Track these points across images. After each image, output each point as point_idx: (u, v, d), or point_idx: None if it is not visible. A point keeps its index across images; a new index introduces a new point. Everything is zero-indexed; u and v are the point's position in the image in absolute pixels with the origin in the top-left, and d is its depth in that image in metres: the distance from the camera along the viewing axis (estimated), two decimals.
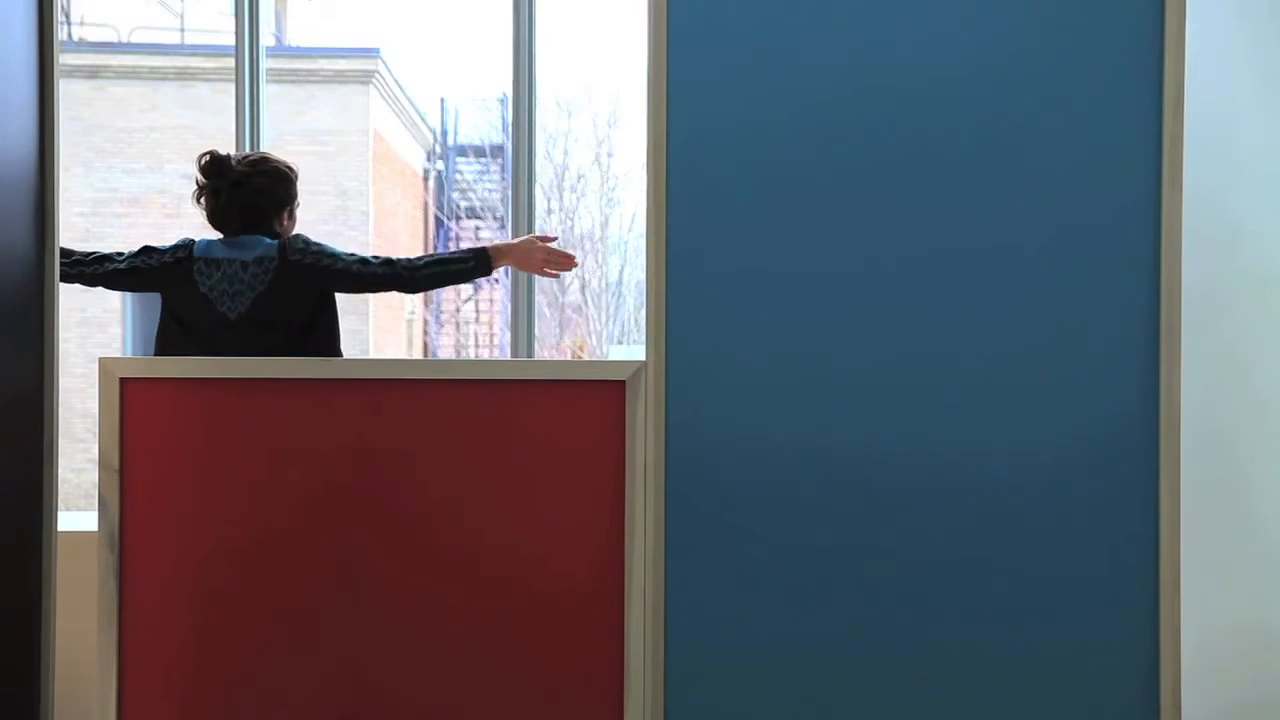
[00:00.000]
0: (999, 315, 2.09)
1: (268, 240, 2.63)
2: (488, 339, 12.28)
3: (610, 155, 11.71)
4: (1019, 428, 2.09)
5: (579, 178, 11.74)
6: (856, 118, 2.10)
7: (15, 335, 2.03)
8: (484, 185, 12.38)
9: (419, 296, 12.05)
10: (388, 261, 2.61)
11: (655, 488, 2.12)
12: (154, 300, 2.71)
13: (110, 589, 2.16)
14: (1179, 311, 2.06)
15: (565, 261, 2.77)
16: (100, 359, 2.16)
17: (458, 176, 12.45)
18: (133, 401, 2.17)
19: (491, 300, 12.33)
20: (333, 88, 10.65)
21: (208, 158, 2.68)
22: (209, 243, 2.64)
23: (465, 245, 12.04)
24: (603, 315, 11.32)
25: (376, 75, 10.80)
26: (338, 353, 2.69)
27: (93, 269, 2.64)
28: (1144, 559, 2.08)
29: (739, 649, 2.12)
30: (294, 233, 2.71)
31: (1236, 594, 2.53)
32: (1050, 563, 2.09)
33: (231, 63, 3.84)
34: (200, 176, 2.68)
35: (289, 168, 2.74)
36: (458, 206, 12.36)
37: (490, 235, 12.04)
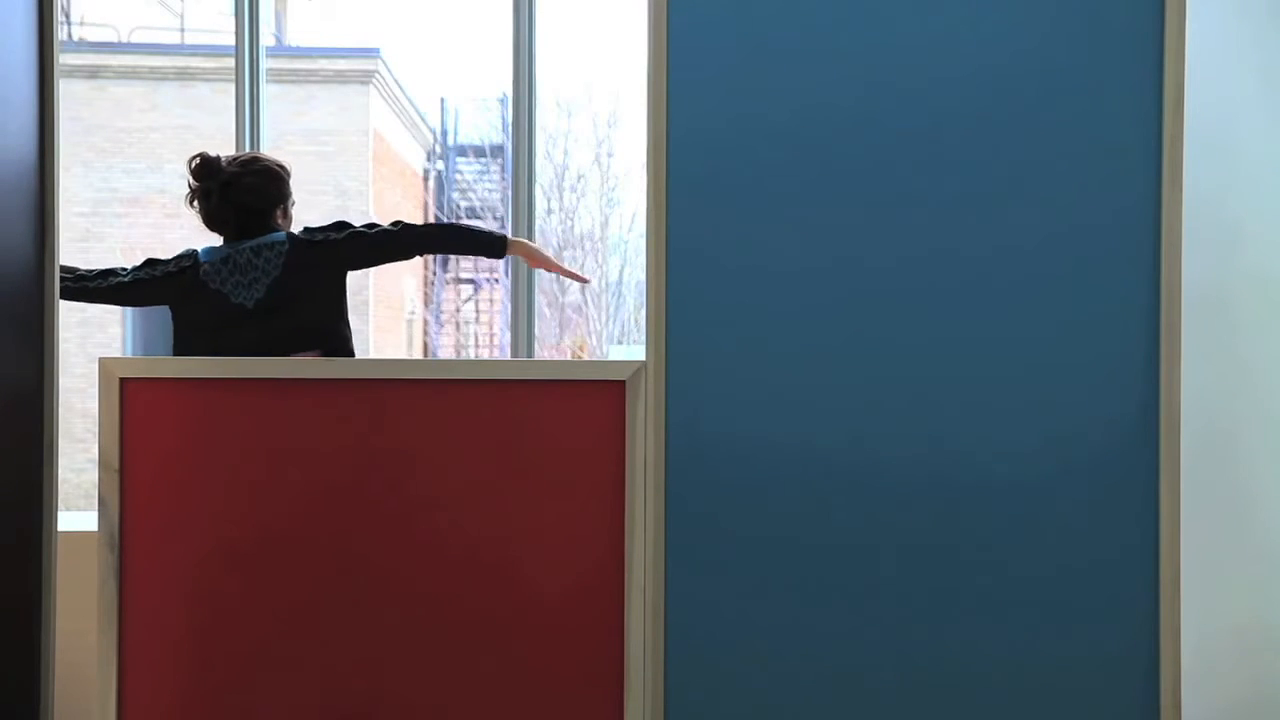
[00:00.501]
0: (999, 315, 2.09)
1: (271, 234, 2.64)
2: (488, 339, 12.29)
3: (610, 155, 11.73)
4: (1019, 427, 2.09)
5: (579, 178, 11.75)
6: (856, 117, 2.10)
7: (15, 335, 2.03)
8: (484, 185, 12.39)
9: (420, 296, 12.06)
10: (397, 222, 2.63)
11: (655, 488, 2.12)
12: None
13: (110, 589, 2.16)
14: (1179, 311, 2.06)
15: (577, 277, 2.95)
16: (100, 359, 2.16)
17: (458, 176, 12.45)
18: (133, 401, 2.17)
19: (491, 300, 12.35)
20: (332, 88, 10.65)
21: (198, 160, 2.67)
22: (212, 247, 2.65)
23: None
24: (603, 315, 11.33)
25: (376, 75, 10.80)
26: (349, 343, 2.68)
27: (96, 283, 2.63)
28: (1144, 559, 2.08)
29: (739, 649, 2.12)
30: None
31: (1236, 594, 2.53)
32: (1050, 562, 2.09)
33: (231, 63, 3.84)
34: (191, 179, 2.68)
35: (280, 166, 2.73)
36: (458, 206, 12.36)
37: None
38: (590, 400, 2.16)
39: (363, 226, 2.62)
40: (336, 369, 2.21)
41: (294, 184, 2.77)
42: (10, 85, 2.01)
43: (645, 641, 2.13)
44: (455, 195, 12.34)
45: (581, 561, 2.17)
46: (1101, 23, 2.08)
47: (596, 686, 2.16)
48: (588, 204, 11.79)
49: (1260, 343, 2.58)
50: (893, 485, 2.10)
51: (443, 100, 12.50)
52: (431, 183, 12.53)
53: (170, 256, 2.65)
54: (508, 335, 4.11)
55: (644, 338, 2.13)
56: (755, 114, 2.11)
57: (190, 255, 2.63)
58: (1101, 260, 2.08)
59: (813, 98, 2.10)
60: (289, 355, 2.47)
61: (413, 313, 12.04)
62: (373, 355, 10.26)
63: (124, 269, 2.65)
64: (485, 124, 12.31)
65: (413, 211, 12.17)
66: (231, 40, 3.85)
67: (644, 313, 2.16)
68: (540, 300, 10.57)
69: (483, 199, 12.34)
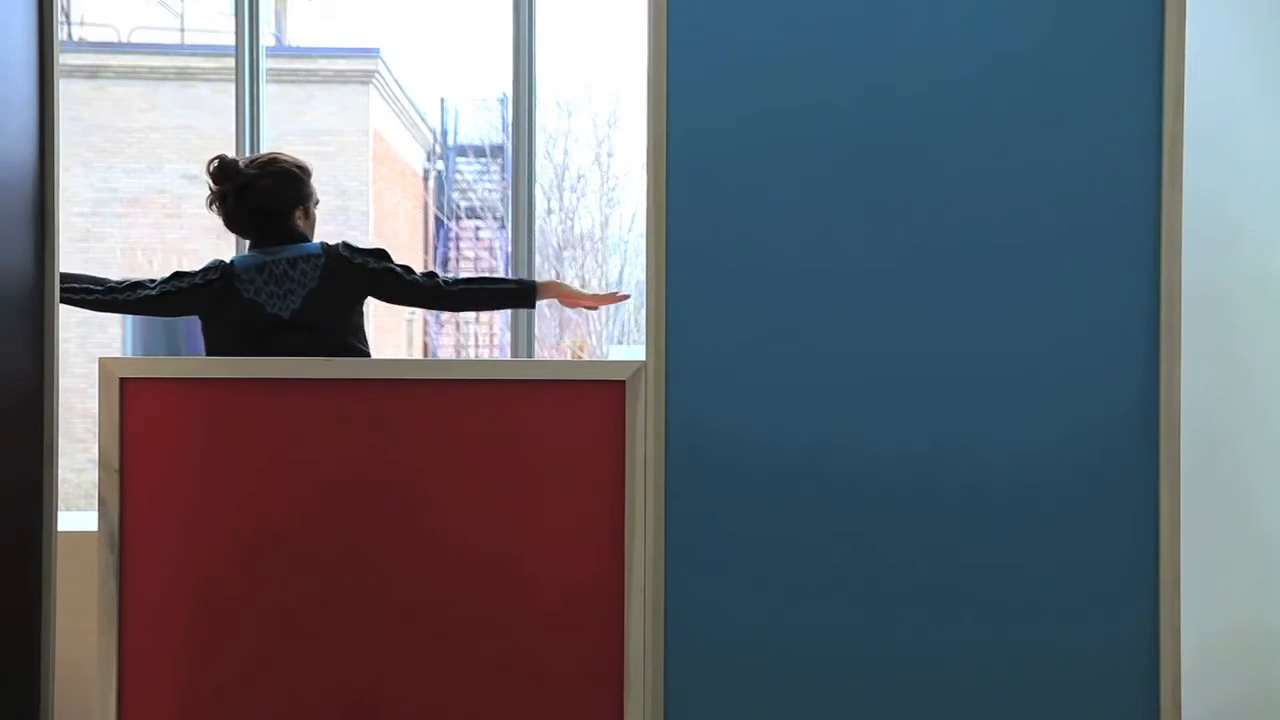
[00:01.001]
0: (999, 315, 2.09)
1: (307, 244, 2.65)
2: (488, 339, 12.28)
3: (610, 155, 11.72)
4: (1019, 427, 2.09)
5: (579, 178, 11.74)
6: (856, 117, 2.10)
7: (15, 335, 2.04)
8: (484, 185, 12.38)
9: None
10: (430, 274, 2.65)
11: (655, 488, 2.12)
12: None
13: (110, 589, 2.16)
14: (1179, 311, 2.06)
15: (616, 299, 2.96)
16: (100, 359, 2.16)
17: (458, 176, 12.45)
18: (133, 401, 2.17)
19: None
20: (333, 88, 10.64)
21: (216, 163, 2.68)
22: (245, 255, 2.65)
23: (464, 245, 12.04)
24: (603, 315, 11.32)
25: (376, 75, 10.79)
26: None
27: (125, 295, 2.65)
28: (1144, 558, 2.08)
29: (739, 649, 2.12)
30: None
31: (1236, 593, 2.53)
32: (1050, 562, 2.09)
33: (231, 63, 3.84)
34: (210, 182, 2.68)
35: (299, 166, 2.73)
36: (458, 206, 12.36)
37: (490, 235, 12.04)
38: (590, 400, 2.16)
39: (399, 266, 2.64)
40: (337, 369, 2.21)
41: None
42: (10, 85, 2.01)
43: (645, 641, 2.13)
44: (455, 195, 12.33)
45: (581, 561, 2.17)
46: (1101, 23, 2.08)
47: (596, 686, 2.16)
48: (588, 204, 11.79)
49: (1260, 343, 2.58)
50: (893, 485, 2.10)
51: (443, 100, 12.50)
52: (431, 183, 12.52)
53: (198, 269, 2.66)
54: (508, 335, 4.11)
55: (644, 338, 2.13)
56: (755, 114, 2.11)
57: (217, 267, 2.63)
58: (1101, 260, 2.08)
59: (813, 98, 2.10)
60: None
61: (412, 313, 12.03)
62: (373, 355, 10.23)
63: (151, 281, 2.66)
64: (485, 124, 12.31)
65: (412, 211, 12.17)
66: (231, 40, 3.85)
67: (644, 313, 2.16)
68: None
69: (483, 199, 12.34)
